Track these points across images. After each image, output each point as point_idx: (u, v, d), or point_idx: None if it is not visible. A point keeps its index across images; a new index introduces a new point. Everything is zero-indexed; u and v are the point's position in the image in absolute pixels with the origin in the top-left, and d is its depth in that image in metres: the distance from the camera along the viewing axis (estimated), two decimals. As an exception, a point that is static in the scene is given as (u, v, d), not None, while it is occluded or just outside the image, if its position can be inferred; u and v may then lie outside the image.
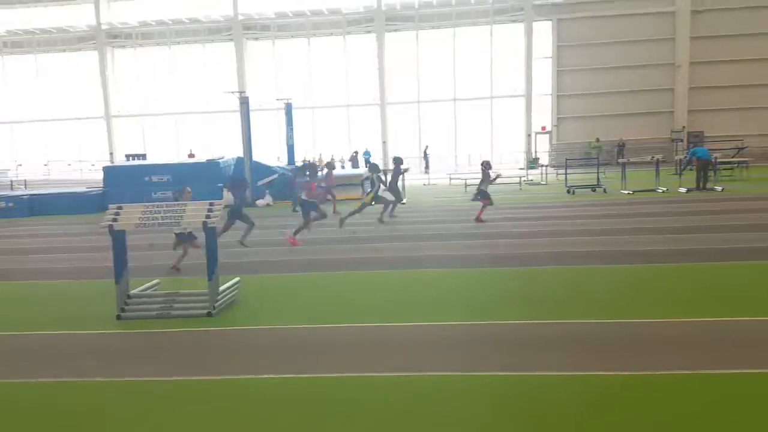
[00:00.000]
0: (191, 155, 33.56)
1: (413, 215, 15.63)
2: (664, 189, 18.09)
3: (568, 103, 34.71)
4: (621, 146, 31.98)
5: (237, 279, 7.82)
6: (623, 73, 33.28)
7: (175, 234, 9.59)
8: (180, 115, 38.72)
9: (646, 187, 18.66)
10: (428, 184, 25.84)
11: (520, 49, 34.67)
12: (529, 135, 35.02)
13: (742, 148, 25.66)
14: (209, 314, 6.96)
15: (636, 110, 33.51)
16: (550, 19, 34.28)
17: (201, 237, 7.88)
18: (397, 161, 15.59)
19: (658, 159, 19.05)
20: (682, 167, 20.15)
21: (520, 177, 24.17)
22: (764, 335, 5.78)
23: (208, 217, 7.08)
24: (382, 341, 6.00)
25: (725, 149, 25.06)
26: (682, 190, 17.92)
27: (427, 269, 9.21)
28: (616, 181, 20.08)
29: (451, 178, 25.09)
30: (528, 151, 34.79)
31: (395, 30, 35.57)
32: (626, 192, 18.28)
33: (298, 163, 25.49)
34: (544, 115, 35.49)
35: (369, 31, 35.85)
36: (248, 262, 10.13)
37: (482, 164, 14.27)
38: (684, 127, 32.91)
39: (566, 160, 22.38)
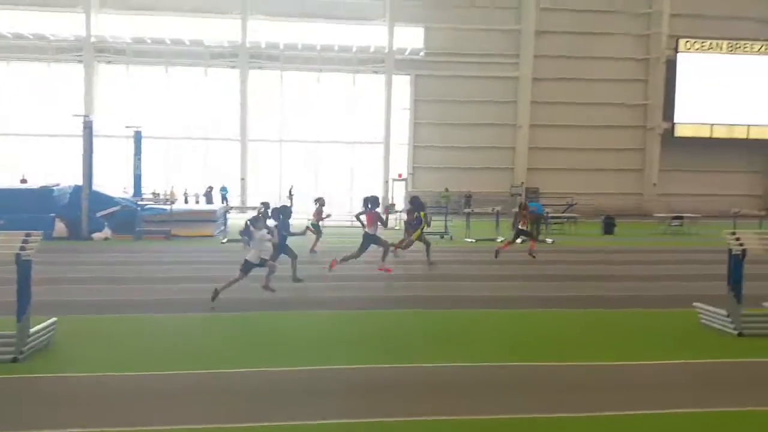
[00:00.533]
0: (23, 180, 30.45)
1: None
2: (503, 239, 19.42)
3: (423, 154, 36.49)
4: (468, 197, 34.03)
5: (53, 320, 7.09)
6: (472, 130, 35.76)
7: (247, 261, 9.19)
8: (14, 137, 35.14)
9: (488, 237, 19.95)
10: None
11: (381, 99, 36.03)
12: (387, 181, 36.19)
13: (572, 205, 28.46)
14: (15, 359, 6.24)
15: (482, 165, 36.02)
16: (409, 74, 36.13)
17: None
18: (415, 200, 14.79)
19: (497, 211, 20.50)
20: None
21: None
22: (581, 379, 6.30)
23: (22, 249, 6.42)
24: (194, 389, 5.71)
25: (557, 205, 27.62)
26: (518, 240, 19.36)
27: (264, 311, 9.03)
28: (461, 230, 21.26)
29: (309, 221, 25.06)
30: (385, 197, 35.85)
31: (259, 68, 35.43)
32: (470, 240, 19.43)
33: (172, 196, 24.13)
34: (401, 162, 36.95)
35: (233, 66, 35.37)
36: (72, 301, 9.27)
37: (519, 205, 15.74)
38: (523, 182, 35.87)
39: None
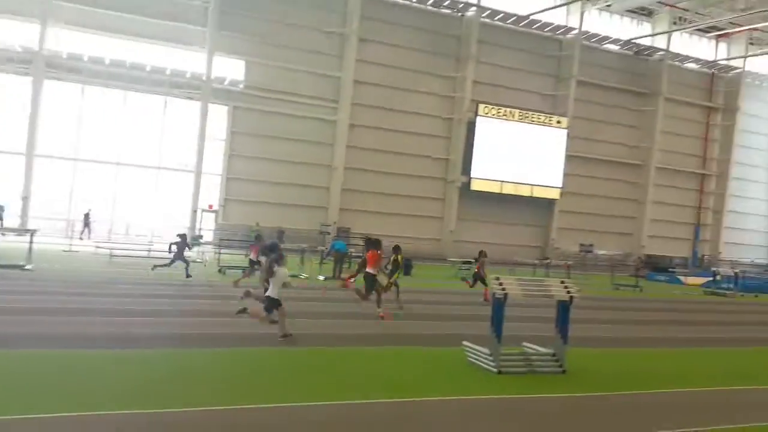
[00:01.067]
0: None
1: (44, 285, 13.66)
2: (307, 275, 19.58)
3: (236, 186, 35.70)
4: (281, 233, 33.75)
5: None
6: (288, 167, 35.91)
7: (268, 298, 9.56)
8: None
9: (292, 273, 19.82)
10: (69, 251, 23.10)
11: (195, 127, 34.71)
12: (195, 211, 34.67)
13: (376, 246, 29.57)
14: None
15: (296, 201, 36.22)
16: (227, 105, 35.41)
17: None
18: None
19: (303, 248, 20.63)
20: (323, 257, 22.16)
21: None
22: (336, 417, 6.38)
23: None
24: None
25: (362, 245, 28.50)
26: (321, 278, 19.64)
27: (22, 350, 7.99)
28: (266, 265, 20.93)
29: (97, 247, 23.02)
30: (192, 228, 34.26)
31: (57, 78, 32.24)
32: (272, 276, 19.17)
33: None
34: (213, 193, 35.72)
35: (26, 73, 31.78)
36: None
37: (480, 253, 17.21)
38: (335, 222, 36.65)
39: (220, 240, 22.64)
